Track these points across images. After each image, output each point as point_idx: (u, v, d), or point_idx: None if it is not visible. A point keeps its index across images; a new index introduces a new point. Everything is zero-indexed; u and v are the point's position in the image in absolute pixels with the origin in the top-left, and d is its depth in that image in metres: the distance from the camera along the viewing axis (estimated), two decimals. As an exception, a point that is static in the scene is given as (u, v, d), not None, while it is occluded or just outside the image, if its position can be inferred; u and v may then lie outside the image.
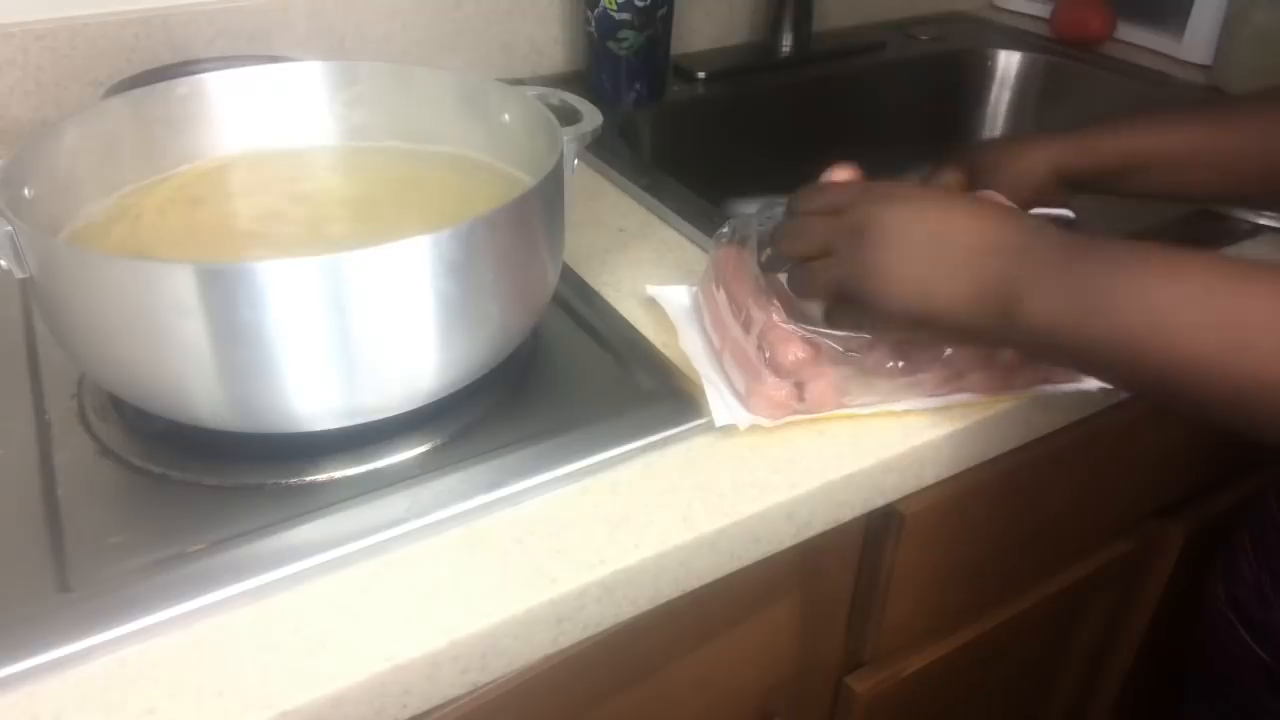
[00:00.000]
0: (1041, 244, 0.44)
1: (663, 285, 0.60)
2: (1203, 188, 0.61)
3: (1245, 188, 0.61)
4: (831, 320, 0.49)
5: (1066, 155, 0.60)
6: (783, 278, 0.51)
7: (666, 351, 0.56)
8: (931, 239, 0.45)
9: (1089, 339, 0.42)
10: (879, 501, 0.52)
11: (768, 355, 0.49)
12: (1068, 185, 0.61)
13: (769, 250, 0.51)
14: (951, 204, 0.47)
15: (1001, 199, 0.52)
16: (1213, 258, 0.42)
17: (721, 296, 0.54)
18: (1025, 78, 1.09)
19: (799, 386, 0.50)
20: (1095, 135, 0.61)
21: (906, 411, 0.52)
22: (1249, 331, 0.39)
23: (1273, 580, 0.58)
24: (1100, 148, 0.61)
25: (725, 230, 0.56)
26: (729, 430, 0.50)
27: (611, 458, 0.48)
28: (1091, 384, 0.54)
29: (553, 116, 0.53)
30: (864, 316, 0.47)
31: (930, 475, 0.53)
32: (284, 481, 0.46)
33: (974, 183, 0.60)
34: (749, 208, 0.57)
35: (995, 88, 1.10)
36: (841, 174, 0.52)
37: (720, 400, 0.50)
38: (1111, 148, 0.60)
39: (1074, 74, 1.06)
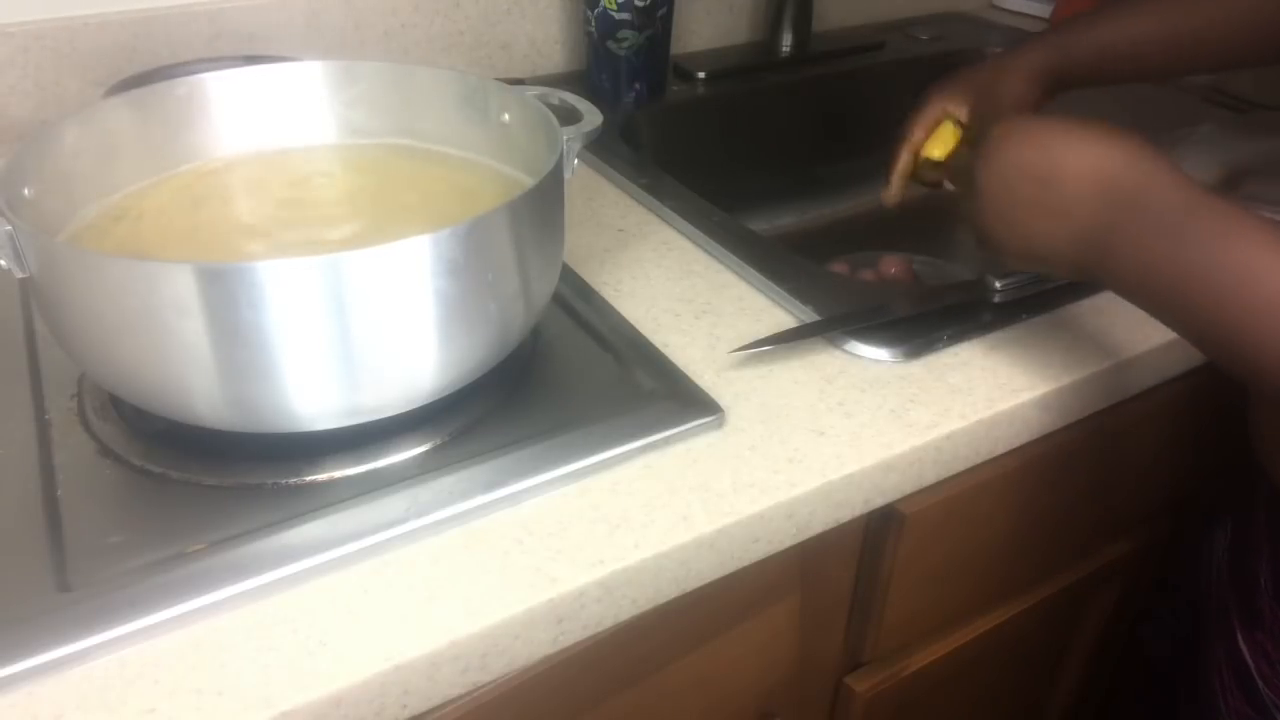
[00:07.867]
0: (1156, 199, 0.43)
1: None
2: (1164, 69, 0.68)
3: (1200, 64, 0.66)
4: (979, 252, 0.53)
5: (1049, 61, 0.66)
6: None
7: (666, 351, 0.56)
8: (1035, 182, 0.47)
9: (1177, 302, 0.43)
10: (879, 501, 0.52)
11: None
12: (1053, 88, 0.66)
13: None
14: (1065, 141, 0.47)
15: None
16: None
17: None
18: (1025, 78, 1.09)
19: None
20: (1069, 36, 0.67)
21: (908, 409, 0.52)
22: None
23: None
24: (1076, 49, 0.66)
25: None
26: (729, 430, 0.50)
27: (611, 458, 0.48)
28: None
29: (553, 116, 0.53)
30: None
31: (930, 475, 0.53)
32: (284, 481, 0.46)
33: (976, 104, 0.66)
34: (748, 207, 0.58)
35: (995, 88, 1.10)
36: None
37: None
38: (1087, 46, 0.66)
39: (1074, 74, 1.05)
